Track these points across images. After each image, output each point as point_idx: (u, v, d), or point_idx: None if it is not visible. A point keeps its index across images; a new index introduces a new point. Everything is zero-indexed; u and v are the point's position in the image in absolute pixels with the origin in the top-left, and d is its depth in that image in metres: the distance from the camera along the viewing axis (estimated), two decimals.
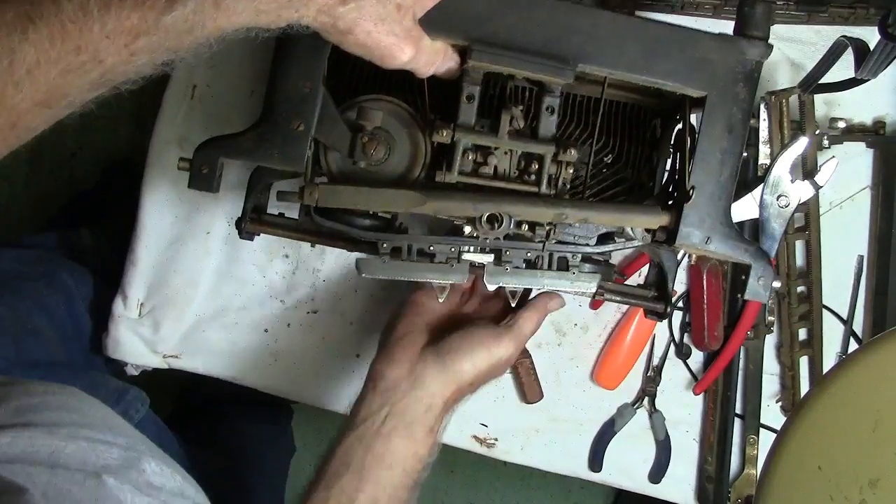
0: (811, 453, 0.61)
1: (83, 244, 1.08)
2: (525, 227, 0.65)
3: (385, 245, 0.67)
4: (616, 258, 0.86)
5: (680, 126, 0.70)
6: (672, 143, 0.73)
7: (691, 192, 0.64)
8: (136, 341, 0.89)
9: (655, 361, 0.89)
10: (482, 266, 0.68)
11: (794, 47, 0.84)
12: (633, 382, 0.89)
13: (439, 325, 0.76)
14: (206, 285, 0.89)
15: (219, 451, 1.05)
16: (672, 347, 0.88)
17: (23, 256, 0.97)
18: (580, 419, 0.90)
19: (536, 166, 0.65)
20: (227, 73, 0.86)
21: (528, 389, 0.88)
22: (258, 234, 0.71)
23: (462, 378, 0.72)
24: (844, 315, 0.87)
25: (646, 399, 0.89)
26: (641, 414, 0.89)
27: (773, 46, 0.64)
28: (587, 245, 0.68)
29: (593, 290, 0.70)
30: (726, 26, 0.83)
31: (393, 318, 0.77)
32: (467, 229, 0.65)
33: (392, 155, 0.65)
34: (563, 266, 0.69)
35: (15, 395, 0.60)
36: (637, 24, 0.64)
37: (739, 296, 0.70)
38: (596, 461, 0.90)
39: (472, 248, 0.68)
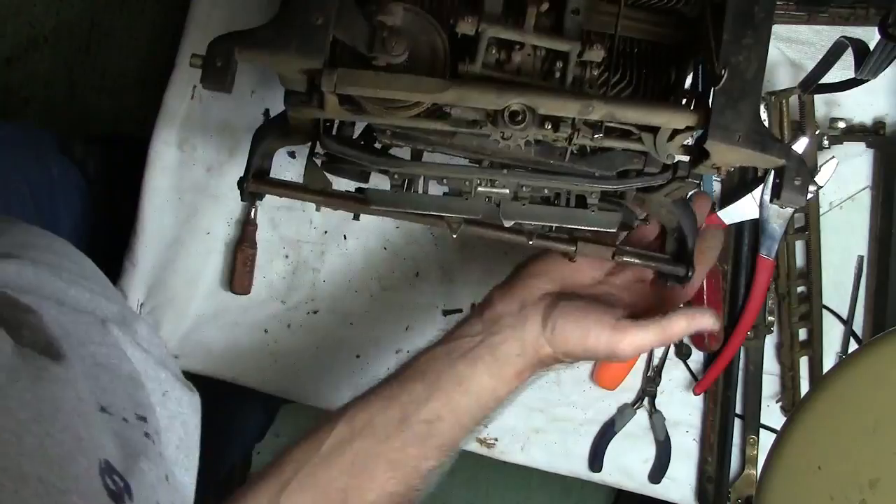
0: (811, 453, 0.61)
1: (74, 151, 1.07)
2: (549, 125, 0.61)
3: (396, 176, 0.64)
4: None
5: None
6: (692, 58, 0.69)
7: (723, 73, 0.60)
8: None
9: (655, 361, 0.89)
10: (498, 204, 0.65)
11: (794, 47, 0.84)
12: (633, 382, 0.89)
13: (574, 287, 0.72)
14: (206, 286, 0.89)
15: None
16: (672, 347, 0.88)
17: (22, 135, 0.96)
18: (580, 419, 0.90)
19: (561, 65, 0.62)
20: None
21: (237, 279, 0.88)
22: (260, 198, 0.69)
23: (560, 346, 0.68)
24: (844, 315, 0.86)
25: (646, 399, 0.89)
26: (641, 414, 0.89)
27: None
28: (606, 179, 0.65)
29: (614, 228, 0.66)
30: None
31: (535, 257, 0.73)
32: (487, 142, 0.61)
33: (413, 55, 0.62)
34: (582, 204, 0.66)
35: (17, 231, 0.59)
36: None
37: (775, 199, 0.62)
38: (596, 461, 0.90)
39: (487, 183, 0.65)
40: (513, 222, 0.66)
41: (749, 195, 0.82)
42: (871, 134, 0.85)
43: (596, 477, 0.90)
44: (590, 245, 0.69)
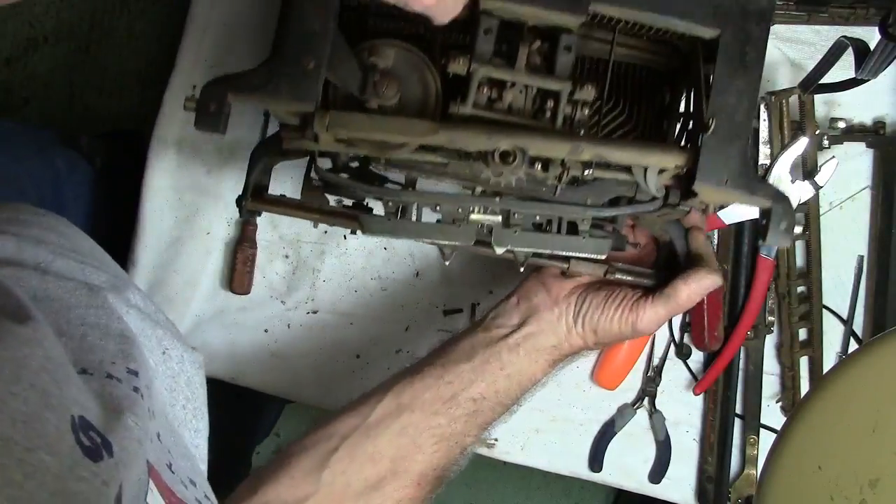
0: (811, 453, 0.61)
1: (80, 146, 1.07)
2: (538, 166, 0.63)
3: (391, 203, 0.66)
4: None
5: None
6: (686, 93, 0.71)
7: (711, 122, 0.61)
8: None
9: (655, 361, 0.89)
10: (490, 230, 0.67)
11: (794, 47, 0.85)
12: (633, 382, 0.89)
13: (598, 276, 0.75)
14: (206, 286, 0.89)
15: None
16: (672, 347, 0.88)
17: (22, 131, 0.96)
18: (580, 419, 0.90)
19: (552, 104, 0.63)
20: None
21: (237, 279, 0.88)
22: (259, 214, 0.70)
23: (590, 337, 0.73)
24: (844, 315, 0.86)
25: (646, 399, 0.89)
26: (641, 414, 0.89)
27: None
28: (597, 207, 0.66)
29: (604, 255, 0.68)
30: None
31: None
32: (479, 170, 0.62)
33: (404, 96, 0.63)
34: (573, 230, 0.67)
35: (7, 208, 0.60)
36: None
37: (761, 241, 0.68)
38: (596, 461, 0.90)
39: (480, 209, 0.66)
40: (504, 249, 0.67)
41: None
42: (871, 134, 0.84)
43: (596, 477, 0.90)
44: (582, 263, 0.72)
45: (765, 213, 0.63)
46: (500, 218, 0.66)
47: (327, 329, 0.90)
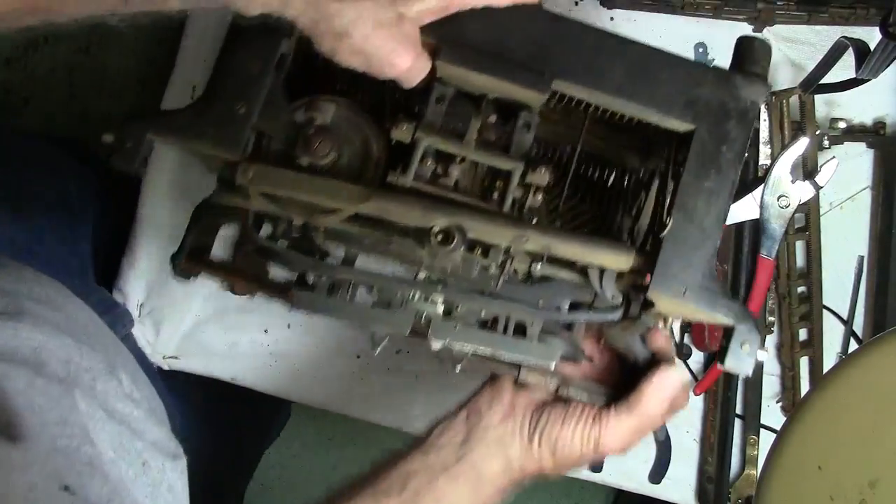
0: (811, 453, 0.61)
1: (96, 159, 1.05)
2: (479, 252, 0.57)
3: (324, 278, 0.59)
4: None
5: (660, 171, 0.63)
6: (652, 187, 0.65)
7: (668, 220, 0.56)
8: (136, 340, 0.89)
9: None
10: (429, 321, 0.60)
11: (794, 47, 0.85)
12: None
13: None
14: (206, 286, 0.89)
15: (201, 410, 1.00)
16: (672, 347, 0.88)
17: (32, 144, 0.93)
18: None
19: (501, 185, 0.58)
20: None
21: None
22: (194, 276, 0.64)
23: (547, 460, 0.64)
24: (844, 315, 0.86)
25: None
26: None
27: (771, 87, 0.59)
28: (550, 310, 0.60)
29: (552, 365, 0.61)
30: (727, 26, 0.84)
31: None
32: (413, 251, 0.57)
33: (341, 158, 0.58)
34: (521, 332, 0.61)
35: (6, 272, 0.58)
36: (624, 42, 0.58)
37: (719, 364, 0.58)
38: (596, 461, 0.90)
39: (420, 297, 0.60)
40: (442, 343, 0.60)
41: (749, 195, 0.81)
42: (872, 134, 0.85)
43: (596, 477, 0.90)
44: (533, 373, 0.64)
45: (727, 334, 0.58)
46: (441, 309, 0.60)
47: (327, 330, 0.90)
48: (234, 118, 0.55)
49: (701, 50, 0.85)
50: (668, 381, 0.63)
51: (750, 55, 0.59)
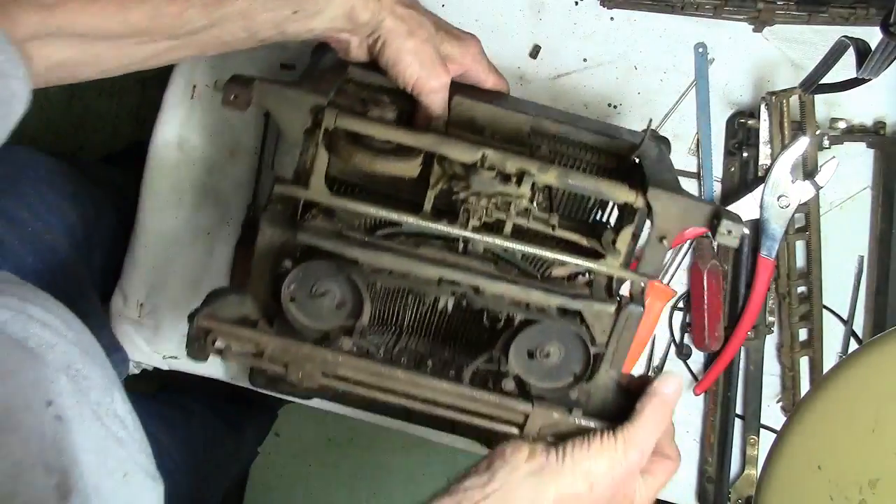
0: (811, 453, 0.61)
1: (95, 172, 1.04)
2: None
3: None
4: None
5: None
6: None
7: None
8: (137, 340, 0.89)
9: (656, 362, 0.89)
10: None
11: (794, 47, 0.84)
12: None
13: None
14: (207, 287, 0.89)
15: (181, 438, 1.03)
16: (672, 348, 0.88)
17: (53, 166, 0.92)
18: None
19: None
20: (228, 73, 0.85)
21: (238, 279, 0.88)
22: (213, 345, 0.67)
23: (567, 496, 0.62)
24: (844, 315, 0.86)
25: None
26: None
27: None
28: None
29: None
30: (727, 26, 0.84)
31: None
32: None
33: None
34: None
35: (11, 290, 0.61)
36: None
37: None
38: None
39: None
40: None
41: (749, 195, 0.82)
42: (872, 134, 0.84)
43: None
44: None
45: (716, 214, 0.61)
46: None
47: None
48: (325, 76, 0.67)
49: (701, 50, 0.85)
50: (669, 397, 0.64)
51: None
